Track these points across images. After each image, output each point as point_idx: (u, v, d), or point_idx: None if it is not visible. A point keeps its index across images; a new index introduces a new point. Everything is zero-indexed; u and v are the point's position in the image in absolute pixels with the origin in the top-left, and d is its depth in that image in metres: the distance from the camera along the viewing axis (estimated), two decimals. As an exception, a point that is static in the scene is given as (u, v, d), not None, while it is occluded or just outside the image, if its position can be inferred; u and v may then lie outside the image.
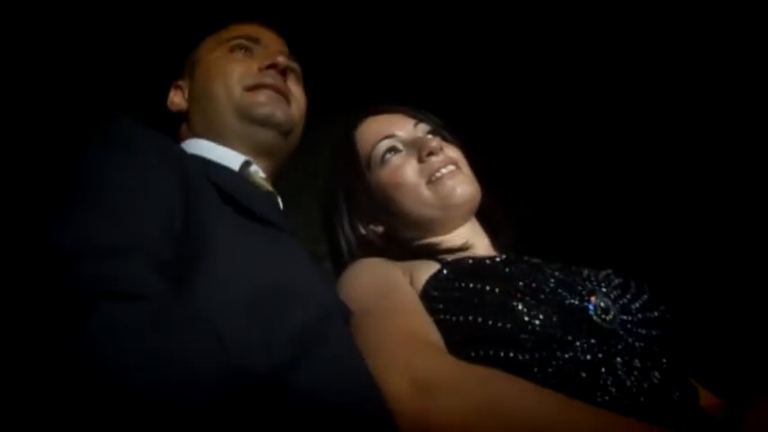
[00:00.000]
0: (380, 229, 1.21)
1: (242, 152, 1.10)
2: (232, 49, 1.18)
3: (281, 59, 1.14)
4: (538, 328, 0.89)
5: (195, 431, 0.53)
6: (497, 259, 1.02)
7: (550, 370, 0.87)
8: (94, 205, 0.71)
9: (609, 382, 0.87)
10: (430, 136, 1.21)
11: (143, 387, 0.54)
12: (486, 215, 1.23)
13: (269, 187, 1.10)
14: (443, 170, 1.15)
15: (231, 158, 1.07)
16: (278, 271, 0.85)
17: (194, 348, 0.59)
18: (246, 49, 1.18)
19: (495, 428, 0.74)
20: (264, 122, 1.11)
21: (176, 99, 1.20)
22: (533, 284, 0.94)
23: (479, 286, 0.94)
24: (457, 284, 0.97)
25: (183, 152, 1.01)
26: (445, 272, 1.01)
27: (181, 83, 1.21)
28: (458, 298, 0.95)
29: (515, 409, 0.76)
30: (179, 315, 0.63)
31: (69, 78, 1.57)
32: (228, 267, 0.78)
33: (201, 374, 0.57)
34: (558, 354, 0.88)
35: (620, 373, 0.88)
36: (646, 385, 0.88)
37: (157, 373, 0.55)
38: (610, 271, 1.06)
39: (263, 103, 1.11)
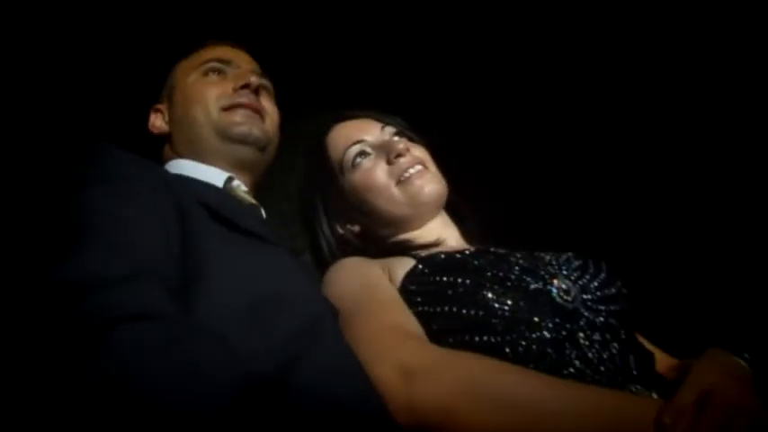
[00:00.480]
0: (357, 228, 1.28)
1: (224, 169, 1.16)
2: (206, 73, 1.24)
3: (254, 79, 1.21)
4: (507, 313, 0.97)
5: None
6: (467, 252, 1.09)
7: (521, 349, 0.94)
8: (101, 239, 0.75)
9: (573, 356, 0.95)
10: (396, 138, 1.27)
11: (168, 396, 0.58)
12: (453, 208, 1.31)
13: (251, 200, 1.16)
14: (411, 170, 1.21)
15: (215, 176, 1.13)
16: (269, 279, 0.91)
17: (210, 358, 0.65)
18: (220, 72, 1.24)
19: (476, 406, 0.81)
20: (243, 140, 1.17)
21: (158, 122, 1.25)
22: (500, 273, 1.02)
23: (452, 279, 1.01)
24: (432, 278, 1.04)
25: (168, 174, 1.07)
26: (420, 267, 1.08)
27: (160, 106, 1.27)
28: (433, 291, 1.02)
29: (493, 386, 0.84)
30: (193, 329, 0.68)
31: (51, 108, 1.59)
32: (224, 281, 0.83)
33: (219, 381, 0.62)
34: (527, 334, 0.96)
35: (582, 346, 0.96)
36: (606, 356, 0.97)
37: (180, 382, 0.60)
38: (570, 254, 1.14)
39: (240, 122, 1.17)
